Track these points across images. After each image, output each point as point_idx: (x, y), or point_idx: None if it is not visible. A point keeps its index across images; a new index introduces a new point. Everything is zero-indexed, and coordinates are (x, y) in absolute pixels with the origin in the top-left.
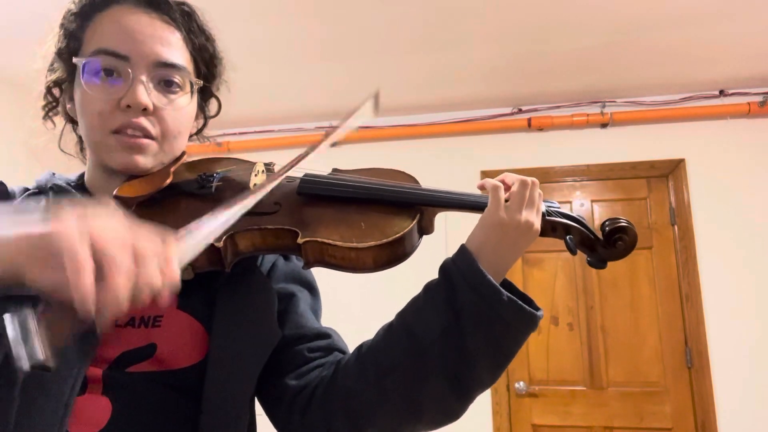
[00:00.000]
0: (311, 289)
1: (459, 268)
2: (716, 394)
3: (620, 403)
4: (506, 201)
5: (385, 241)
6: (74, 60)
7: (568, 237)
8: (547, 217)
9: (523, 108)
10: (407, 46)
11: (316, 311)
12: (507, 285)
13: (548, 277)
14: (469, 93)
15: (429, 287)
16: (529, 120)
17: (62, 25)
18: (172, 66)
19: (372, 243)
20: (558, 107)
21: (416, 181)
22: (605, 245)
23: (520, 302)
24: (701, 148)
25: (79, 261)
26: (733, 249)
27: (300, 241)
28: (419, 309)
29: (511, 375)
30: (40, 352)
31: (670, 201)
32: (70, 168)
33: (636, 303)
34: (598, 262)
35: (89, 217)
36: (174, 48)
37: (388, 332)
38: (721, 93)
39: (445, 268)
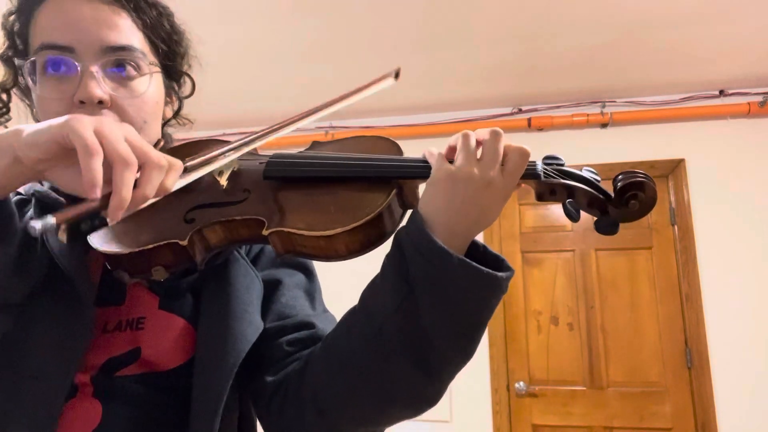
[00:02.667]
0: (305, 270)
1: (408, 234)
2: (716, 394)
3: (620, 403)
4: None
5: (354, 225)
6: (17, 62)
7: (568, 201)
8: (543, 179)
9: (523, 108)
10: (407, 46)
11: (312, 293)
12: (479, 249)
13: (548, 277)
14: (469, 93)
15: (384, 261)
16: (529, 120)
17: (3, 26)
18: (121, 49)
19: (340, 229)
20: (558, 107)
21: (399, 150)
22: (617, 204)
23: (474, 264)
24: (701, 148)
25: (89, 146)
26: (733, 249)
27: (265, 232)
28: (375, 286)
29: (511, 375)
30: (53, 218)
31: (670, 201)
32: None
33: (636, 303)
34: (609, 226)
35: (103, 120)
36: (121, 29)
37: (349, 316)
38: (721, 93)
39: (396, 235)
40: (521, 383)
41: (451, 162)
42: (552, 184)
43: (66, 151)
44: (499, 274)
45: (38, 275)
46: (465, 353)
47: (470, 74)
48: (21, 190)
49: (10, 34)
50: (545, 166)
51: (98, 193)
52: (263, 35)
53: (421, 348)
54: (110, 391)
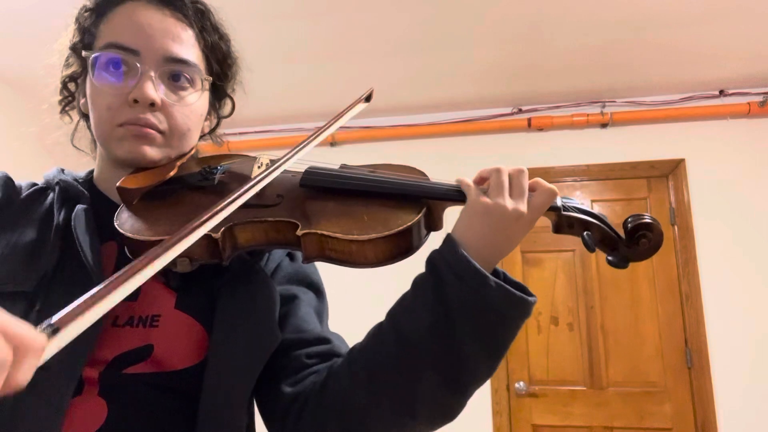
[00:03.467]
0: (317, 291)
1: (444, 258)
2: (716, 394)
3: (620, 403)
4: (485, 191)
5: (387, 233)
6: (84, 54)
7: (585, 233)
8: (563, 212)
9: (523, 108)
10: (407, 46)
11: (321, 314)
12: (500, 275)
13: (548, 277)
14: (469, 93)
15: (416, 280)
16: (529, 120)
17: (77, 20)
18: (181, 62)
19: (374, 235)
20: (558, 107)
21: (426, 177)
22: (628, 244)
23: (509, 288)
24: (701, 148)
25: None
26: (733, 249)
27: (299, 233)
28: (407, 304)
29: (511, 375)
30: None
31: (670, 201)
32: (80, 165)
33: (636, 303)
34: (620, 261)
35: None
36: (185, 44)
37: (378, 332)
38: (721, 93)
39: (431, 258)
40: (521, 383)
41: (483, 191)
42: (571, 218)
43: None
44: (530, 298)
45: (50, 263)
46: (489, 371)
47: (470, 74)
48: (44, 178)
49: (81, 28)
50: (565, 202)
51: None
52: (264, 36)
53: (451, 366)
54: (117, 389)
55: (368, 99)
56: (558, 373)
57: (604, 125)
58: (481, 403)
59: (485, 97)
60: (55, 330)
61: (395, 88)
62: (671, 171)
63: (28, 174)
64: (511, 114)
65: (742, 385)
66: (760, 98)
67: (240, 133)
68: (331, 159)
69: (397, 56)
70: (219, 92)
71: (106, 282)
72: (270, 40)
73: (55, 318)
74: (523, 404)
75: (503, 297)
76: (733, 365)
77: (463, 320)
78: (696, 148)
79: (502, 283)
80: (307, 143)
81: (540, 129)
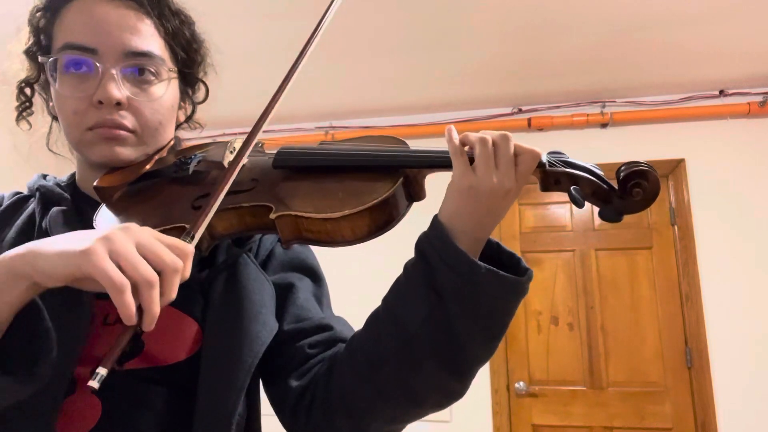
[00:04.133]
0: (314, 275)
1: (433, 245)
2: (716, 394)
3: (620, 403)
4: (472, 163)
5: (361, 208)
6: (40, 59)
7: (573, 188)
8: (548, 168)
9: (523, 108)
10: (407, 46)
11: (320, 299)
12: (493, 246)
13: (548, 277)
14: (469, 93)
15: (407, 268)
16: (529, 120)
17: (29, 22)
18: (142, 55)
19: (347, 211)
20: (558, 107)
21: (407, 147)
22: (621, 195)
23: (501, 273)
24: (701, 148)
25: (116, 284)
26: (733, 249)
27: (272, 216)
28: (401, 293)
29: (511, 375)
30: (104, 369)
31: (670, 201)
32: (61, 169)
33: (636, 303)
34: (613, 214)
35: (113, 237)
36: (144, 35)
37: (375, 322)
38: (721, 93)
39: (420, 246)
40: (521, 383)
41: (471, 158)
42: (557, 173)
43: (86, 277)
44: (523, 279)
45: None
46: (491, 351)
47: (470, 74)
48: (27, 186)
49: (35, 30)
50: (550, 157)
51: (135, 319)
52: (262, 35)
53: (451, 352)
54: (110, 386)
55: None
56: (558, 373)
57: (604, 125)
58: (481, 403)
59: (485, 97)
60: (191, 237)
61: (395, 88)
62: (671, 171)
63: (8, 185)
64: (511, 114)
65: (742, 385)
66: (760, 98)
67: (240, 133)
68: None
69: (397, 56)
70: (189, 78)
71: (212, 194)
72: (270, 40)
73: (191, 228)
74: (523, 404)
75: (496, 282)
76: (733, 365)
77: (457, 308)
78: (696, 148)
79: (494, 269)
80: (281, 91)
81: (540, 129)
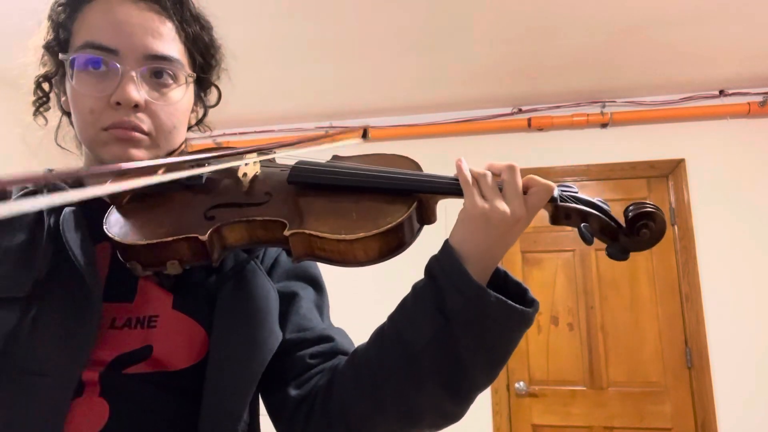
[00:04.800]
0: (316, 285)
1: (443, 269)
2: (716, 394)
3: (620, 403)
4: (482, 194)
5: (375, 232)
6: (61, 57)
7: (582, 225)
8: (560, 203)
9: (523, 108)
10: (407, 46)
11: (322, 308)
12: (501, 276)
13: (548, 277)
14: (469, 93)
15: (416, 289)
16: (529, 120)
17: (50, 17)
18: (163, 58)
19: (362, 234)
20: (558, 107)
21: (419, 167)
22: (628, 234)
23: (509, 302)
24: (701, 148)
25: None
26: (733, 249)
27: (287, 233)
28: (408, 313)
29: (511, 375)
30: None
31: (670, 201)
32: (66, 164)
33: (636, 303)
34: (619, 252)
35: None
36: (165, 39)
37: (380, 338)
38: (721, 93)
39: (430, 268)
40: (521, 383)
41: (480, 190)
42: (568, 209)
43: None
44: (530, 310)
45: (43, 268)
46: (491, 378)
47: (470, 74)
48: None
49: (55, 25)
50: (561, 192)
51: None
52: (263, 35)
53: (453, 375)
54: (118, 390)
55: (364, 135)
56: (558, 373)
57: (604, 125)
58: (481, 403)
59: (485, 97)
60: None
61: (395, 88)
62: (671, 171)
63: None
64: (511, 114)
65: (742, 385)
66: (760, 98)
67: (240, 133)
68: (328, 156)
69: (397, 56)
70: (204, 82)
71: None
72: (270, 40)
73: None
74: (523, 404)
75: (503, 310)
76: (733, 365)
77: (463, 332)
78: (696, 148)
79: (503, 298)
80: (297, 145)
81: (540, 129)
